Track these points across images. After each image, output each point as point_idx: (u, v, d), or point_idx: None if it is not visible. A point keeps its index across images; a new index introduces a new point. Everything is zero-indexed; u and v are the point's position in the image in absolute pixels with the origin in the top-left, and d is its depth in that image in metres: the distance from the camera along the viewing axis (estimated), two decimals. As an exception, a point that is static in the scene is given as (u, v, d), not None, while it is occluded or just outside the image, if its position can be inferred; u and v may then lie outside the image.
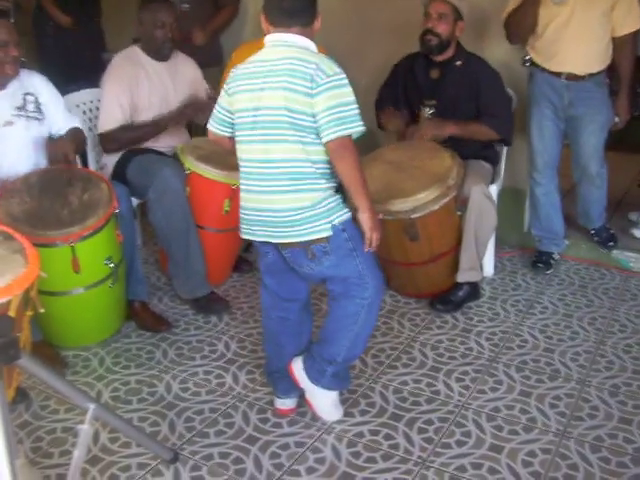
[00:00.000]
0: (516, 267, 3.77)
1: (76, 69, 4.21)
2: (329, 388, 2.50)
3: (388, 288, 3.48)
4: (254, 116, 2.26)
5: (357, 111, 2.21)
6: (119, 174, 3.37)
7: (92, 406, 1.99)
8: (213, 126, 2.44)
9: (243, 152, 2.34)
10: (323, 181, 2.26)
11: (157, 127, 3.43)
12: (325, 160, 2.26)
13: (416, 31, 3.43)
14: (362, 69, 4.19)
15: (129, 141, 3.40)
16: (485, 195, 3.20)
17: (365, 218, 2.27)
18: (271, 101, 2.22)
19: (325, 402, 2.53)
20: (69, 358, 2.96)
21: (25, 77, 2.98)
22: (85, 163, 3.62)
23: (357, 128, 2.21)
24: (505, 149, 3.67)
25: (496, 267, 3.70)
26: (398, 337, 3.11)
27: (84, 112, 3.63)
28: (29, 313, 2.36)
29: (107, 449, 2.41)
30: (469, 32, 3.49)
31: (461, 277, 3.27)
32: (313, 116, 2.18)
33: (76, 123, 3.17)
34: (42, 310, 2.35)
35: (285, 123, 2.21)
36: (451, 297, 3.30)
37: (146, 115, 3.44)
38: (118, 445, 2.42)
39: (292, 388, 2.56)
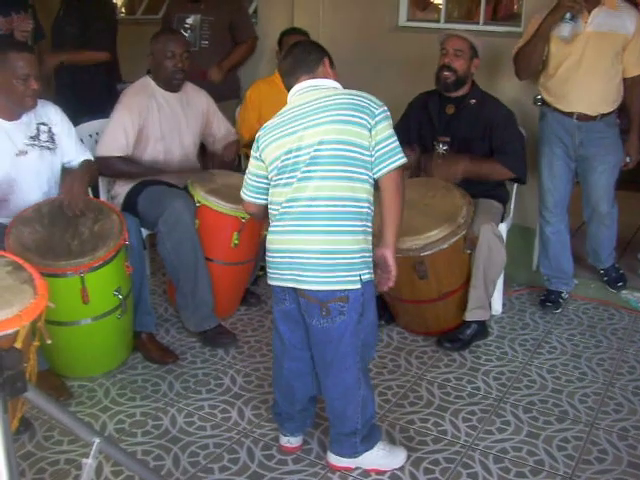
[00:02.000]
0: (525, 306, 3.75)
1: (92, 100, 4.25)
2: (370, 449, 2.46)
3: (395, 325, 3.47)
4: (296, 157, 2.23)
5: (398, 142, 2.25)
6: (130, 205, 3.38)
7: (97, 440, 1.97)
8: (249, 195, 2.40)
9: (281, 195, 2.27)
10: (363, 223, 2.23)
11: (154, 173, 3.45)
12: (368, 199, 2.24)
13: (431, 67, 3.47)
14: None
15: (125, 174, 3.44)
16: (494, 234, 3.19)
17: (390, 253, 2.27)
18: (317, 137, 2.20)
19: (379, 458, 2.48)
20: (74, 388, 2.95)
21: (39, 107, 3.01)
22: (96, 193, 3.65)
23: (404, 159, 2.25)
24: (515, 187, 3.68)
25: (505, 305, 3.69)
26: (405, 375, 3.09)
27: (96, 142, 3.66)
28: (36, 343, 2.36)
29: (110, 483, 2.39)
30: (482, 69, 3.52)
31: (469, 315, 3.25)
32: (369, 149, 2.19)
33: (88, 155, 3.20)
34: (49, 341, 2.35)
35: (336, 157, 2.19)
36: (459, 335, 3.29)
37: (156, 145, 3.48)
38: (121, 479, 2.40)
39: (298, 428, 2.55)
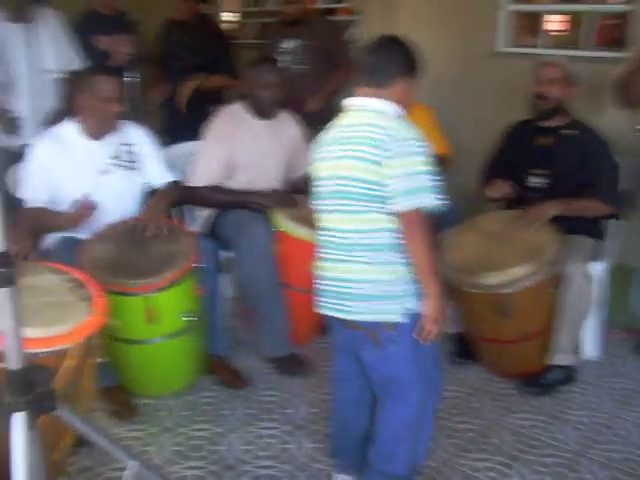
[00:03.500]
0: (620, 352, 3.46)
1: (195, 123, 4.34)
2: None
3: (474, 363, 3.30)
4: (331, 185, 2.18)
5: (431, 182, 2.05)
6: (211, 227, 3.42)
7: (133, 463, 1.96)
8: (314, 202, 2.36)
9: (324, 220, 2.25)
10: (402, 255, 2.11)
11: (244, 200, 3.43)
12: (391, 229, 2.11)
13: (527, 95, 3.31)
14: (470, 132, 4.11)
15: (215, 203, 3.44)
16: (584, 274, 2.98)
17: (429, 306, 2.11)
18: (345, 171, 2.12)
19: None
20: (141, 406, 2.98)
21: (124, 128, 3.09)
22: (181, 215, 3.71)
23: (428, 201, 2.04)
24: (615, 224, 3.43)
25: (598, 350, 3.42)
26: (477, 417, 2.92)
27: (186, 164, 3.72)
28: (92, 361, 2.41)
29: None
30: (582, 96, 3.32)
31: (553, 359, 3.04)
32: (380, 184, 2.06)
33: (171, 177, 3.25)
34: (102, 359, 2.39)
35: (358, 194, 2.09)
36: (541, 380, 3.08)
37: (243, 172, 3.47)
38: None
39: (350, 466, 2.45)
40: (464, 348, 3.32)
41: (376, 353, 2.19)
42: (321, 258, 2.27)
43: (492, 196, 3.41)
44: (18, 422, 1.62)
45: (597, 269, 3.25)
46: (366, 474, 2.35)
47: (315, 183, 2.26)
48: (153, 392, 3.05)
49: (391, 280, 2.11)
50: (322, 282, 2.27)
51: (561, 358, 3.04)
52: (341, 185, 2.13)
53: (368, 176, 2.06)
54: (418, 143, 2.07)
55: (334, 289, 2.21)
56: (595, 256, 3.26)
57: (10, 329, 1.60)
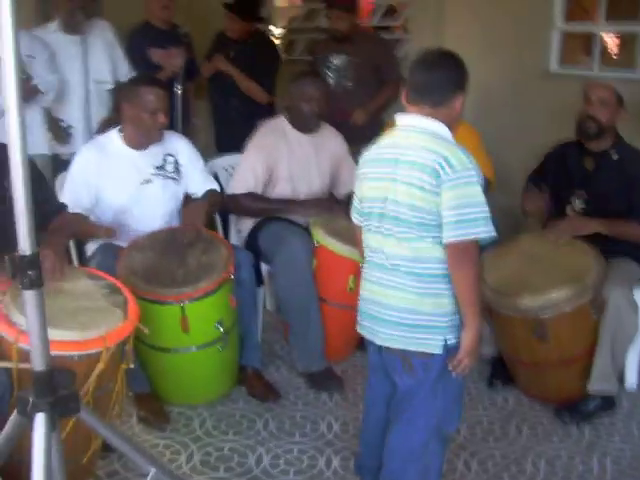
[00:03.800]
0: (666, 383, 3.35)
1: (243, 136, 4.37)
2: None
3: (513, 387, 3.23)
4: (381, 207, 2.10)
5: (486, 213, 1.97)
6: (252, 239, 3.43)
7: (153, 470, 1.96)
8: (354, 217, 2.31)
9: (369, 240, 2.19)
10: (449, 285, 2.05)
11: (285, 209, 3.45)
12: (442, 260, 2.05)
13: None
14: (518, 152, 4.05)
15: (255, 211, 3.45)
16: (627, 300, 2.89)
17: (468, 338, 2.05)
18: (397, 195, 2.05)
19: None
20: (173, 414, 3.00)
21: (167, 138, 3.14)
22: (225, 225, 3.73)
23: (483, 234, 1.97)
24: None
25: (642, 380, 3.32)
26: (512, 444, 2.85)
27: (230, 175, 3.75)
28: (124, 366, 2.43)
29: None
30: (631, 121, 3.24)
31: (593, 387, 2.95)
32: (439, 215, 1.99)
33: (213, 185, 3.28)
34: (132, 365, 2.41)
35: (409, 222, 2.03)
36: (580, 407, 2.99)
37: (284, 185, 3.49)
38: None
39: (375, 485, 2.41)
40: (502, 371, 3.26)
41: (404, 377, 2.15)
42: (364, 278, 2.23)
43: (528, 208, 3.36)
44: (40, 423, 1.64)
45: (642, 296, 3.15)
46: None
47: (361, 202, 2.22)
48: (185, 401, 3.06)
49: (436, 312, 2.06)
50: (361, 302, 2.24)
51: (601, 386, 2.94)
52: (394, 210, 2.06)
53: (424, 205, 1.99)
54: (474, 171, 1.99)
55: (370, 312, 2.18)
56: (641, 282, 3.17)
57: (35, 331, 1.63)
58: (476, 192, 1.97)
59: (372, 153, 2.20)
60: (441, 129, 2.07)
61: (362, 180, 2.21)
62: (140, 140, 3.04)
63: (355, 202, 2.28)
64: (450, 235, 1.96)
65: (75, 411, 1.76)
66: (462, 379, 2.19)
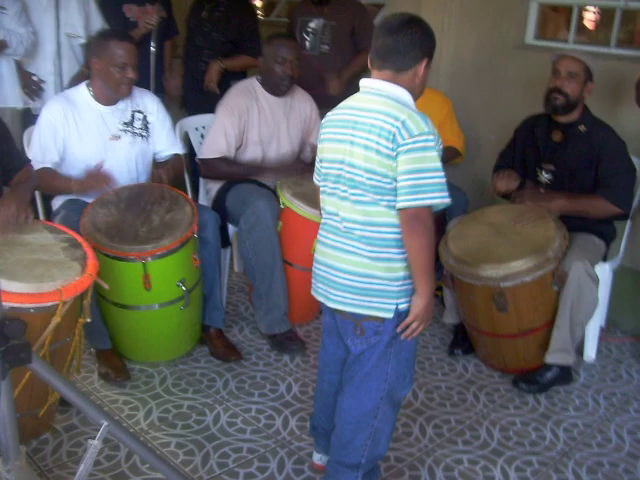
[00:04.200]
0: (623, 356, 3.39)
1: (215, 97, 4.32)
2: None
3: (474, 356, 3.27)
4: (339, 169, 2.07)
5: (441, 180, 1.94)
6: (220, 200, 3.41)
7: (105, 423, 1.97)
8: (315, 178, 2.28)
9: (325, 202, 2.18)
10: (401, 250, 2.04)
11: (255, 172, 3.46)
12: (397, 225, 2.03)
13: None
14: (492, 124, 4.05)
15: (227, 174, 3.44)
16: (587, 273, 2.92)
17: (418, 304, 2.04)
18: (354, 158, 2.03)
19: None
20: (134, 371, 3.01)
21: (137, 95, 3.10)
22: (195, 186, 3.72)
23: (437, 200, 1.94)
24: (628, 226, 3.36)
25: (600, 352, 3.36)
26: (468, 410, 2.89)
27: (202, 135, 3.73)
28: (82, 321, 2.43)
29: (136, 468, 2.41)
30: (604, 95, 3.25)
31: (550, 358, 2.99)
32: (394, 179, 1.97)
33: (179, 149, 3.27)
34: (89, 320, 2.40)
35: (364, 185, 2.01)
36: (537, 377, 3.03)
37: (254, 148, 3.48)
38: (147, 467, 2.42)
39: (329, 447, 2.43)
40: (463, 340, 3.30)
41: (357, 341, 2.16)
42: (319, 241, 2.21)
43: (499, 188, 3.36)
44: (-9, 372, 1.64)
45: (603, 270, 3.19)
46: (327, 465, 2.34)
47: (321, 164, 2.20)
48: (146, 358, 3.08)
49: (388, 277, 2.06)
50: (315, 265, 2.24)
51: (559, 357, 2.99)
52: (350, 172, 2.04)
53: (380, 168, 1.97)
54: (432, 137, 1.96)
55: (324, 275, 2.17)
56: (603, 257, 3.21)
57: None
58: (432, 157, 1.94)
59: (333, 115, 2.17)
60: (402, 94, 2.04)
61: (322, 141, 2.18)
62: (108, 95, 3.00)
63: (317, 163, 2.26)
64: (403, 200, 1.94)
65: (26, 361, 1.76)
66: (414, 344, 2.20)
